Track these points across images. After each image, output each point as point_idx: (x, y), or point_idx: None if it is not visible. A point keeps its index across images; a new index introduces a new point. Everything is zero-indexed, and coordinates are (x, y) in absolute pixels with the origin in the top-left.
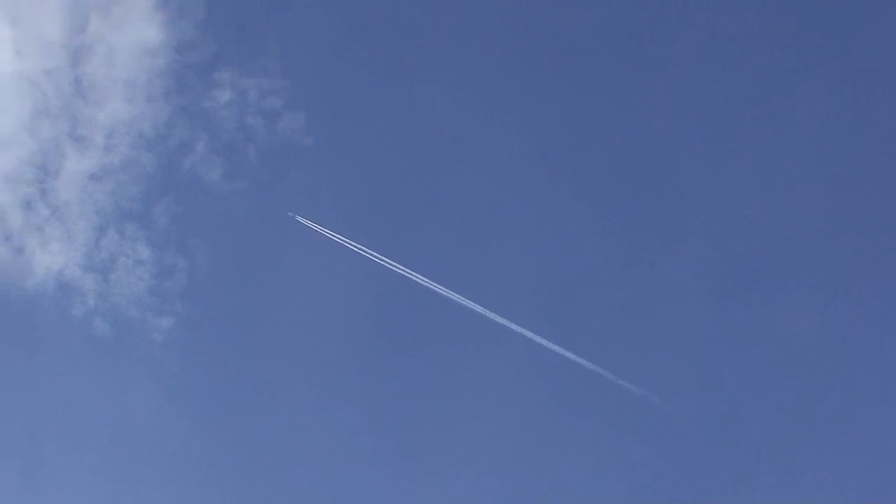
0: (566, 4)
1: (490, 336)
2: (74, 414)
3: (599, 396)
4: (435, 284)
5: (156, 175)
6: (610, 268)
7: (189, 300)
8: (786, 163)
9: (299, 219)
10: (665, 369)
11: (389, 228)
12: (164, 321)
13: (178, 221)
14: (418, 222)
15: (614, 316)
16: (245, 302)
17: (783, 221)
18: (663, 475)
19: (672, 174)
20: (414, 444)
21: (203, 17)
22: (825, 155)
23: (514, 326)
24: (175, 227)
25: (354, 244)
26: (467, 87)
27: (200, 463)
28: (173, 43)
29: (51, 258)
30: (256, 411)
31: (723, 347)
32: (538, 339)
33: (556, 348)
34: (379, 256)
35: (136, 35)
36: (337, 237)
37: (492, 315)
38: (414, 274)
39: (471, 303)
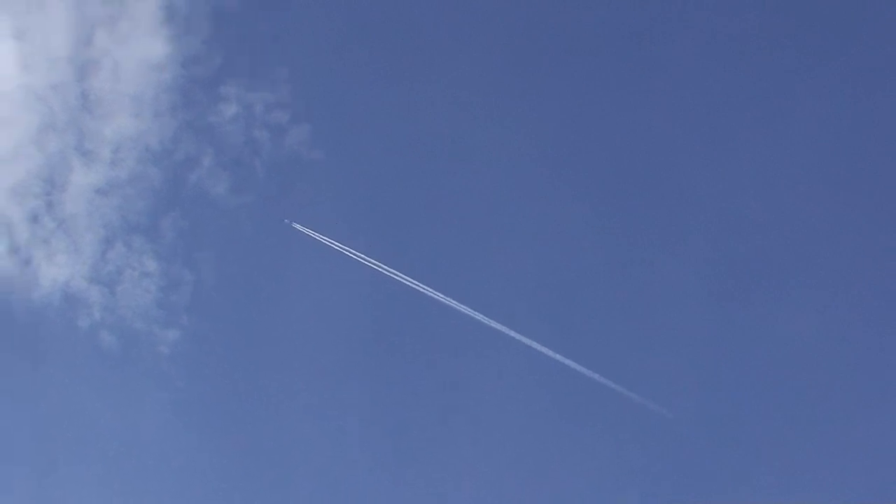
0: (566, 4)
1: (492, 343)
2: (80, 426)
3: (598, 398)
4: (439, 294)
5: (162, 189)
6: (610, 268)
7: (195, 313)
8: (786, 163)
9: (296, 226)
10: (665, 369)
11: (396, 241)
12: (171, 334)
13: (184, 235)
14: (425, 236)
15: (614, 316)
16: (251, 315)
17: (783, 221)
18: (663, 475)
19: (672, 174)
20: (418, 453)
21: (209, 32)
22: (825, 155)
23: (513, 334)
24: (181, 240)
25: (362, 256)
26: (470, 88)
27: (207, 475)
28: (179, 57)
29: (57, 270)
30: (262, 423)
31: (722, 348)
32: (538, 346)
33: (557, 356)
34: (386, 268)
35: (142, 50)
36: (344, 249)
37: (495, 324)
38: (420, 285)
39: (478, 314)
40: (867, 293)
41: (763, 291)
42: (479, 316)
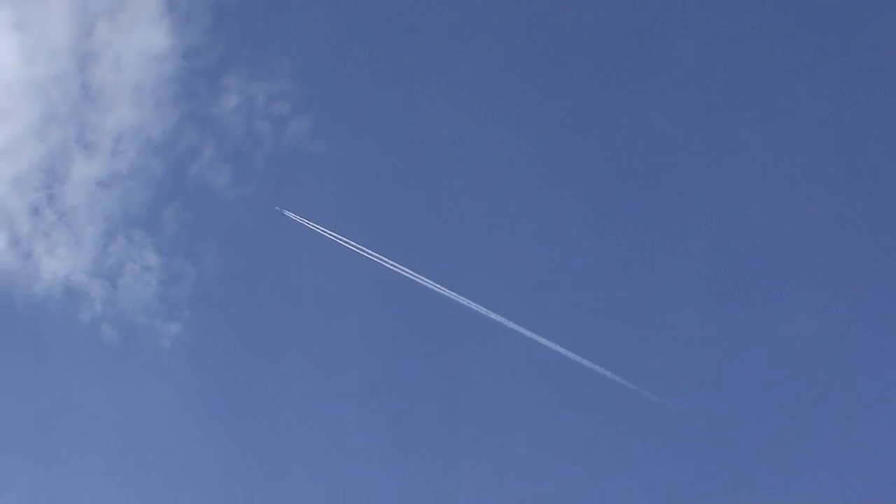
0: (566, 4)
1: (492, 335)
2: (82, 420)
3: (599, 396)
4: (440, 287)
5: (163, 181)
6: (609, 267)
7: (197, 306)
8: (786, 163)
9: (287, 213)
10: (665, 369)
11: (397, 233)
12: (172, 327)
13: (185, 227)
14: (428, 226)
15: (614, 316)
16: (253, 307)
17: (783, 221)
18: (663, 475)
19: (672, 174)
20: (419, 444)
21: (210, 23)
22: (825, 155)
23: (511, 324)
24: (183, 232)
25: (363, 248)
26: (473, 88)
27: (208, 468)
28: (181, 48)
29: (58, 263)
30: (264, 416)
31: (722, 347)
32: (535, 336)
33: (556, 347)
34: (386, 259)
35: (143, 41)
36: (345, 241)
37: (497, 317)
38: (423, 278)
39: (483, 308)
40: (867, 293)
41: (763, 291)
42: (482, 310)
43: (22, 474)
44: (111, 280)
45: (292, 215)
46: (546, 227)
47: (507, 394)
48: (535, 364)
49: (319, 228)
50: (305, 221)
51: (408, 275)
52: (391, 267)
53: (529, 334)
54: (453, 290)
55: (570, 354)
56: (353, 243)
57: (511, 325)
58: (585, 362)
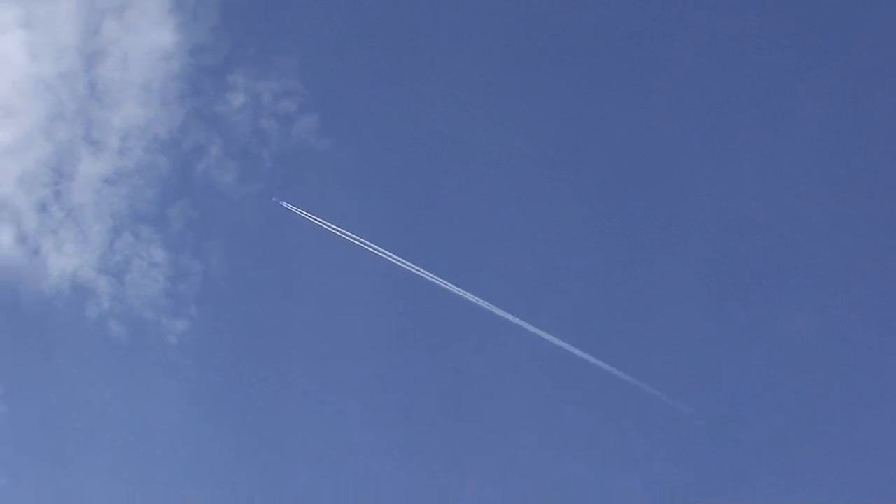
0: (566, 4)
1: (505, 337)
2: (89, 416)
3: (601, 394)
4: (448, 283)
5: (170, 178)
6: (610, 267)
7: (204, 303)
8: (786, 163)
9: (284, 204)
10: (665, 369)
11: (404, 229)
12: (179, 323)
13: (192, 224)
14: (433, 223)
15: (613, 316)
16: (259, 304)
17: (783, 221)
18: (663, 474)
19: (672, 174)
20: (424, 439)
21: (217, 21)
22: (825, 155)
23: (518, 321)
24: (189, 229)
25: (370, 244)
26: (477, 88)
27: (215, 464)
28: (187, 46)
29: (65, 260)
30: (271, 413)
31: (722, 347)
32: (538, 331)
33: (559, 342)
34: (394, 256)
35: (150, 38)
36: (352, 237)
37: (510, 317)
38: (428, 274)
39: (490, 305)
40: (867, 293)
41: (763, 291)
42: (487, 305)
43: (29, 470)
44: (118, 277)
45: (290, 206)
46: (546, 224)
47: (510, 390)
48: (538, 360)
49: (319, 220)
50: (303, 213)
51: (413, 271)
52: (397, 263)
53: (532, 329)
54: (458, 286)
55: (573, 349)
56: (360, 239)
57: (515, 320)
58: (588, 357)
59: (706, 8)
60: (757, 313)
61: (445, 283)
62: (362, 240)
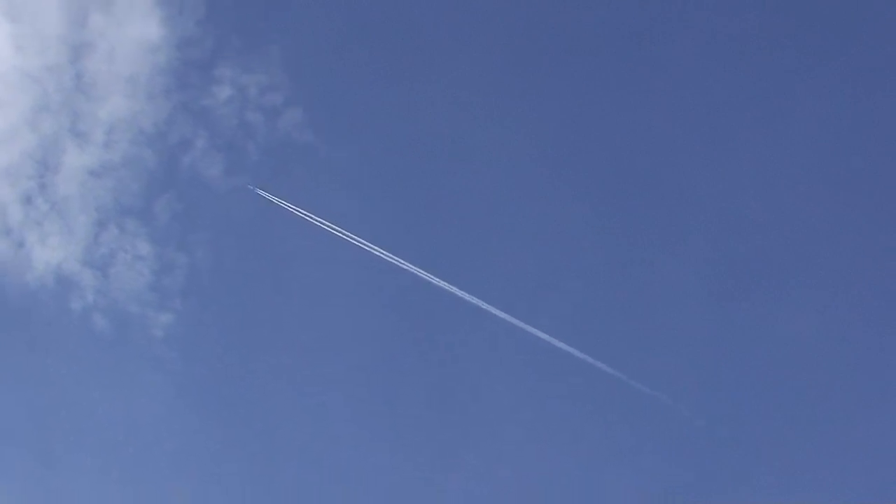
0: (566, 4)
1: (496, 335)
2: (73, 409)
3: (598, 394)
4: (435, 278)
5: (156, 171)
6: (609, 267)
7: (189, 296)
8: (786, 163)
9: (259, 192)
10: (664, 369)
11: (392, 222)
12: (164, 317)
13: (178, 218)
14: (422, 217)
15: (613, 316)
16: (245, 298)
17: (783, 221)
18: (662, 474)
19: (672, 174)
20: (414, 434)
21: (203, 14)
22: (825, 155)
23: (511, 319)
24: (175, 223)
25: (356, 237)
26: (467, 85)
27: (201, 457)
28: (174, 39)
29: (50, 253)
30: (257, 406)
31: (722, 347)
32: (531, 329)
33: (551, 339)
34: (381, 250)
35: (136, 31)
36: (338, 231)
37: (504, 315)
38: (415, 268)
39: (480, 301)
40: (867, 293)
41: (763, 291)
42: (475, 300)
43: (14, 464)
44: (103, 270)
45: (266, 195)
46: (546, 228)
47: (504, 389)
48: (531, 358)
49: (300, 211)
50: (269, 196)
51: (400, 265)
52: (384, 257)
53: (526, 327)
54: (446, 281)
55: (568, 348)
56: (346, 233)
57: (508, 318)
58: (586, 357)
59: (706, 8)
60: (757, 313)
61: (432, 277)
62: (349, 233)
